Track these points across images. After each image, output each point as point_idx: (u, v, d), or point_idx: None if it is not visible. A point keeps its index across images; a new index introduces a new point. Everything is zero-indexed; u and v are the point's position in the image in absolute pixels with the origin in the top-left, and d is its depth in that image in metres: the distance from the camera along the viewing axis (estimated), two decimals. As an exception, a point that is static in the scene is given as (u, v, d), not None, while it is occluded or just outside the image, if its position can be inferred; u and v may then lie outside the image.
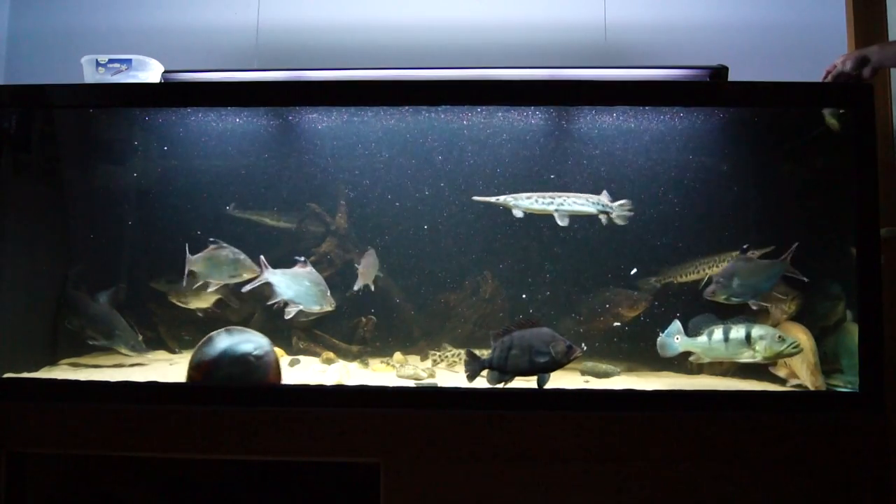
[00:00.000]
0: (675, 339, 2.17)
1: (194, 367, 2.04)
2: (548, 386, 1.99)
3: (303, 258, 2.33)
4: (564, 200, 2.29)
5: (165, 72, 2.39)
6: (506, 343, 1.98)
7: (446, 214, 2.54)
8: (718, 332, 2.13)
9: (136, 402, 1.95)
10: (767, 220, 2.43)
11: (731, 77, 2.26)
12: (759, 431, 1.88)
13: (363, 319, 2.55)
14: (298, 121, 2.56)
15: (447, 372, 2.39)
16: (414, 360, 2.52)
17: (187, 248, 2.32)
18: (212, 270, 2.31)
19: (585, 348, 2.03)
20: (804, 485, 1.87)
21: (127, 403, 1.95)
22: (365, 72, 2.40)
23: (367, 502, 1.93)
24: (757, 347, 2.09)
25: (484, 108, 2.40)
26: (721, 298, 2.18)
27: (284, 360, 2.44)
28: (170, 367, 2.36)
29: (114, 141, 2.59)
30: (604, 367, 2.32)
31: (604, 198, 2.30)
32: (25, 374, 2.17)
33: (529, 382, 1.99)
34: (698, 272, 2.39)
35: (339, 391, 2.04)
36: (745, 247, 2.20)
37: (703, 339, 2.14)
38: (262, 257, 2.29)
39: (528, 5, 2.84)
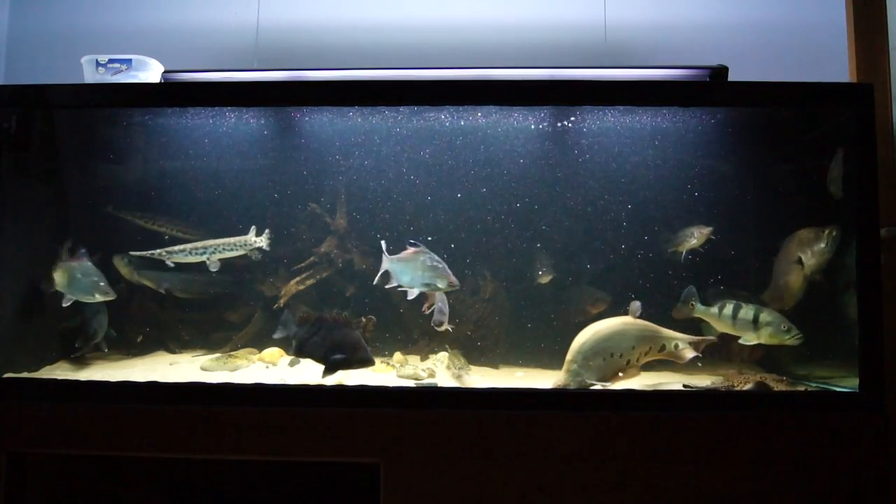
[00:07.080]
0: (690, 304, 2.24)
1: None
2: (548, 386, 1.97)
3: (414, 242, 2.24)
4: (216, 248, 2.40)
5: (165, 72, 2.39)
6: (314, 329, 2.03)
7: (446, 214, 2.54)
8: (729, 308, 2.20)
9: (136, 402, 1.95)
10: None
11: (731, 77, 2.26)
12: (760, 431, 1.88)
13: (363, 319, 2.54)
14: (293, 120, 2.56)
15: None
16: (414, 360, 2.52)
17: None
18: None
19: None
20: (804, 484, 1.87)
21: (127, 403, 1.95)
22: (365, 72, 2.40)
23: (367, 502, 1.93)
24: (762, 331, 2.13)
25: (481, 108, 2.40)
26: None
27: (284, 359, 2.44)
28: (170, 367, 2.36)
29: (113, 141, 2.60)
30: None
31: (251, 236, 2.41)
32: (25, 374, 2.17)
33: (532, 382, 1.99)
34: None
35: (339, 391, 2.04)
36: None
37: (714, 310, 2.22)
38: (383, 242, 2.24)
39: (529, 5, 2.84)
